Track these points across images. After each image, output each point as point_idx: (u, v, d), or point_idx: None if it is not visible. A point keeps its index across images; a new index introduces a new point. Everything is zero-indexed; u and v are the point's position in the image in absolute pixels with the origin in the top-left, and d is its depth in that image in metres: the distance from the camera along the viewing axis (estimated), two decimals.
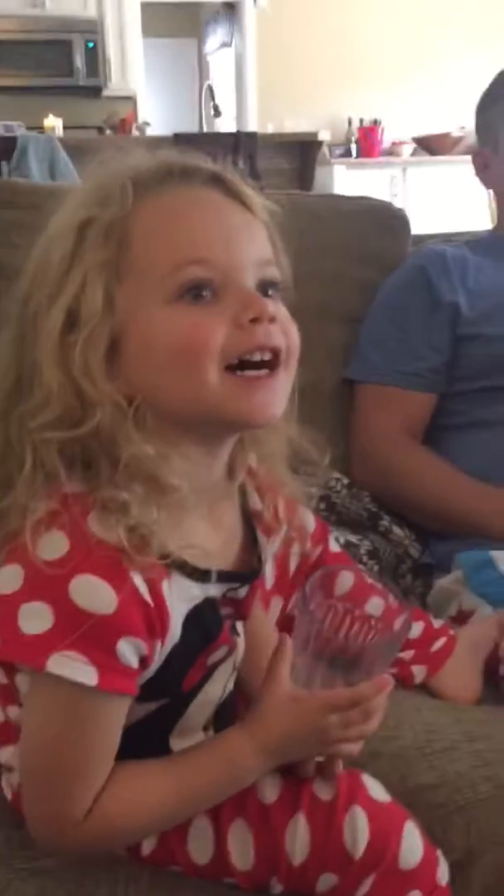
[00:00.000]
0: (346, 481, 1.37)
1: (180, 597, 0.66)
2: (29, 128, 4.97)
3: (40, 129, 4.99)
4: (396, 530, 1.33)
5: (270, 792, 0.75)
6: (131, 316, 0.63)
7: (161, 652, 0.65)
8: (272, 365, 0.66)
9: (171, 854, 0.77)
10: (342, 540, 1.25)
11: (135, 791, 0.68)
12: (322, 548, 1.01)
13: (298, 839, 0.73)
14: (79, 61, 6.10)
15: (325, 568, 0.79)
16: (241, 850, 0.75)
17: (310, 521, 1.02)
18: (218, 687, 0.77)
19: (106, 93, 6.25)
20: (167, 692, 0.71)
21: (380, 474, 1.36)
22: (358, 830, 0.73)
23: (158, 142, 4.00)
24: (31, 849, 0.79)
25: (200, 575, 0.68)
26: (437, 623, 1.10)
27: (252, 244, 0.67)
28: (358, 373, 1.42)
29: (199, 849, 0.76)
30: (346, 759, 0.75)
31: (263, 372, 0.65)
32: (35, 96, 6.05)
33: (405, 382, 1.36)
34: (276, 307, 0.66)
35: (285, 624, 0.95)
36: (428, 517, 1.34)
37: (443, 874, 0.77)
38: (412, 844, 0.75)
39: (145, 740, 0.72)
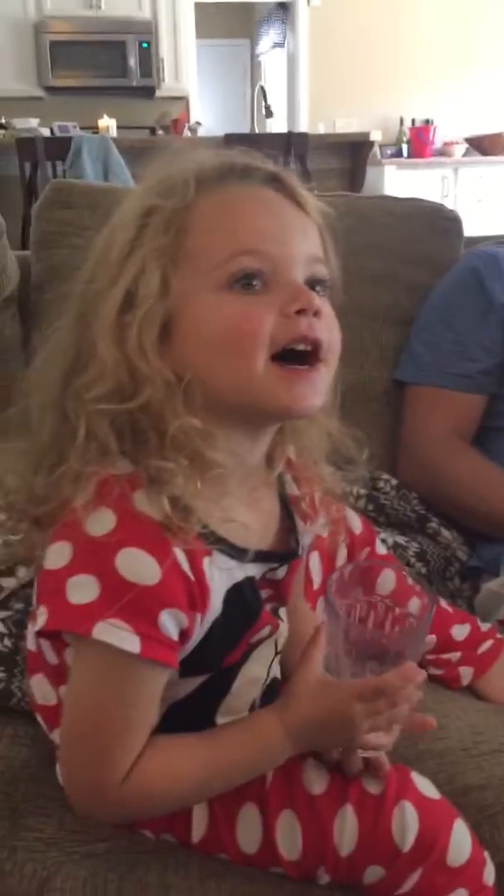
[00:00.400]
0: (394, 482, 1.37)
1: (221, 574, 0.69)
2: (83, 128, 5.03)
3: (94, 129, 5.04)
4: (445, 533, 1.33)
5: (318, 785, 0.77)
6: (185, 300, 0.66)
7: (202, 625, 0.68)
8: (314, 359, 0.68)
9: (219, 842, 0.78)
10: (390, 541, 1.25)
11: (169, 760, 0.70)
12: (369, 550, 1.03)
13: (346, 830, 0.75)
14: (133, 62, 6.16)
15: (355, 563, 0.81)
16: (289, 840, 0.76)
17: (356, 522, 1.04)
18: (260, 667, 0.79)
19: (159, 93, 6.31)
20: (209, 666, 0.73)
21: (428, 476, 1.36)
22: (407, 824, 0.74)
23: (210, 142, 4.01)
24: (83, 833, 0.82)
25: (239, 553, 0.70)
26: (483, 626, 1.11)
27: (304, 241, 0.69)
28: (408, 374, 1.42)
29: (248, 838, 0.77)
30: (378, 749, 0.76)
31: (304, 367, 0.67)
32: (89, 97, 6.12)
33: (456, 384, 1.36)
34: (323, 303, 0.69)
35: None
36: (475, 520, 1.33)
37: (489, 875, 0.77)
38: (460, 842, 0.75)
39: (192, 718, 0.74)
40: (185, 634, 0.66)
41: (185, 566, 0.65)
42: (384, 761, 0.78)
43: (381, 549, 1.05)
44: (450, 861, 0.75)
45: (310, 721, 0.72)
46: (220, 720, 0.78)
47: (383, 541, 1.25)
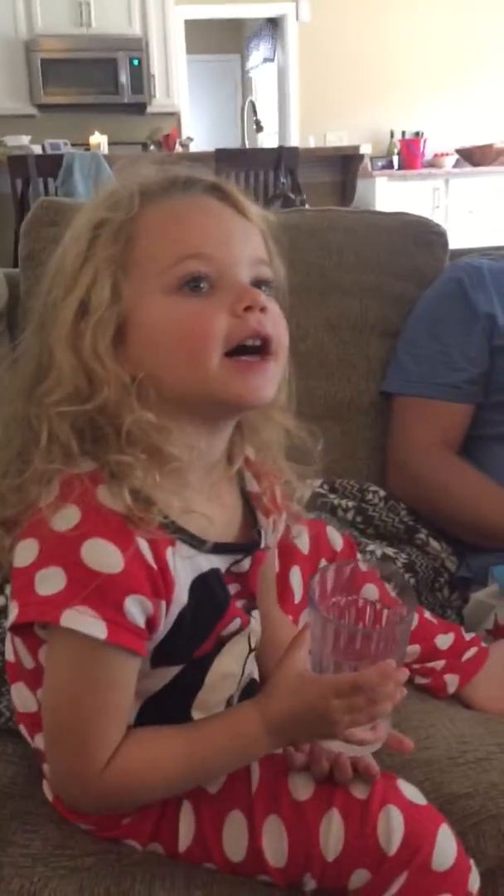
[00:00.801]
0: (382, 494, 1.38)
1: (184, 564, 0.71)
2: (75, 144, 5.05)
3: (86, 145, 5.07)
4: (433, 543, 1.34)
5: (304, 791, 0.77)
6: (137, 305, 0.70)
7: (168, 614, 0.70)
8: (264, 353, 0.72)
9: (206, 850, 0.79)
10: (379, 553, 1.26)
11: (149, 750, 0.72)
12: (345, 596, 1.03)
13: (332, 835, 0.75)
14: (124, 78, 6.20)
15: (337, 563, 0.81)
16: (276, 846, 0.76)
17: (337, 540, 1.07)
18: (233, 663, 0.81)
19: (150, 109, 6.34)
20: (180, 658, 0.75)
21: (416, 486, 1.37)
22: (392, 828, 0.74)
23: (200, 157, 4.03)
24: (70, 848, 0.82)
25: (200, 543, 0.73)
26: (468, 636, 1.12)
27: (246, 244, 0.73)
28: (395, 385, 1.43)
29: (234, 845, 0.78)
30: (363, 744, 0.75)
31: (256, 358, 0.71)
32: (81, 113, 6.15)
33: (442, 394, 1.36)
34: (269, 301, 0.72)
35: None
36: (464, 529, 1.34)
37: (474, 882, 0.78)
38: (446, 847, 0.76)
39: (168, 713, 0.76)
40: (151, 623, 0.69)
41: (149, 556, 0.67)
42: (373, 765, 0.79)
43: (363, 567, 1.05)
44: (435, 865, 0.75)
45: (288, 714, 0.73)
46: (195, 716, 0.79)
47: (371, 552, 1.25)
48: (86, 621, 0.65)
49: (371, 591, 0.83)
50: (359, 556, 1.11)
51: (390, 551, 1.28)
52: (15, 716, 0.85)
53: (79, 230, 0.72)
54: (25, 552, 0.68)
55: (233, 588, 0.78)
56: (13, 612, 0.68)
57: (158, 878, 0.79)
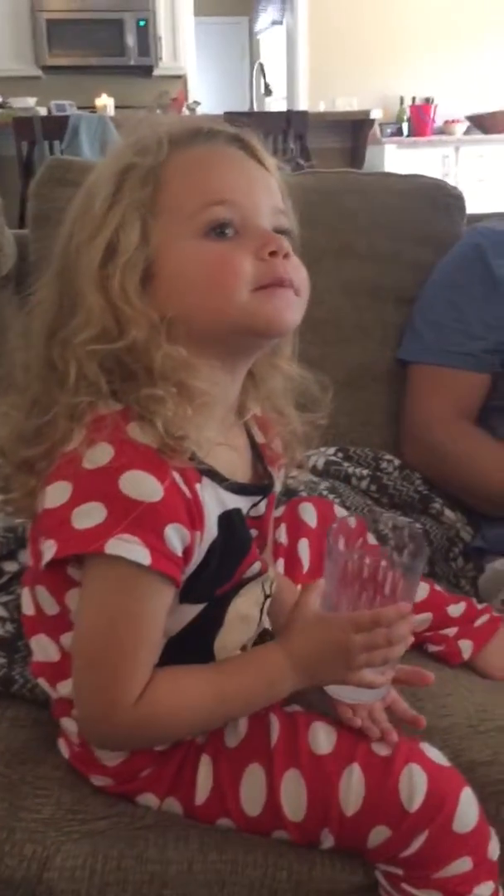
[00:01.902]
0: (397, 463, 1.36)
1: (212, 498, 0.73)
2: (80, 107, 4.98)
3: (92, 108, 4.99)
4: (448, 513, 1.33)
5: (325, 744, 0.78)
6: (164, 248, 0.72)
7: (200, 546, 0.72)
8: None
9: (223, 804, 0.79)
10: (391, 523, 1.24)
11: (178, 685, 0.74)
12: (362, 540, 1.04)
13: (353, 789, 0.75)
14: (130, 40, 6.09)
15: (349, 518, 0.86)
16: (294, 799, 0.77)
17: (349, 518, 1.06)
18: (251, 606, 0.83)
19: (157, 72, 6.24)
20: (205, 595, 0.76)
21: (431, 456, 1.35)
22: (415, 785, 0.75)
23: None
24: (82, 812, 0.82)
25: (225, 482, 0.75)
26: (480, 605, 1.11)
27: (267, 194, 0.76)
28: (411, 353, 1.41)
29: (252, 798, 0.78)
30: (371, 686, 0.77)
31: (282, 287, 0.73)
32: (87, 76, 6.05)
33: (459, 362, 1.34)
34: (289, 248, 0.75)
35: None
36: (479, 500, 1.32)
37: (493, 849, 0.78)
38: (468, 809, 0.76)
39: (189, 653, 0.77)
40: (187, 552, 0.70)
41: (183, 487, 0.69)
42: (393, 732, 0.80)
43: (372, 540, 1.06)
44: (455, 826, 0.75)
45: (309, 650, 0.76)
46: (217, 655, 0.80)
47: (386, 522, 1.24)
48: (130, 548, 0.66)
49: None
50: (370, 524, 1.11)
51: (405, 521, 1.27)
52: (32, 669, 0.85)
53: (105, 175, 0.73)
54: (57, 493, 0.69)
55: (252, 532, 0.81)
56: (50, 550, 0.69)
57: (172, 840, 0.79)
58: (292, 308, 0.74)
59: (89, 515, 0.66)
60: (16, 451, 0.75)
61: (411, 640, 0.76)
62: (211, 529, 0.73)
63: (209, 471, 0.73)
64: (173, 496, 0.68)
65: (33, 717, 0.93)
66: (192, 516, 0.70)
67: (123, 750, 0.80)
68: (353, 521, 0.82)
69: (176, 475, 0.68)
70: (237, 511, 0.77)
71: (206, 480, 0.72)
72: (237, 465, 0.80)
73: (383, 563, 0.79)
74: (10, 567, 1.05)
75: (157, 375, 0.69)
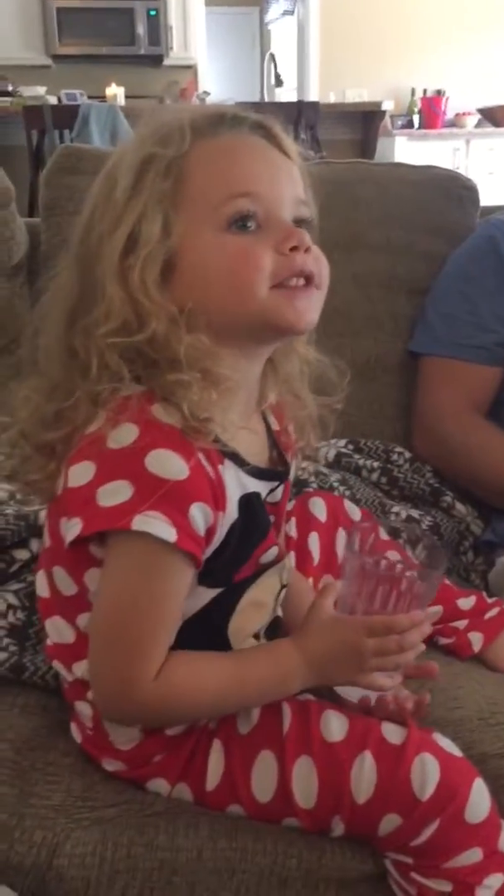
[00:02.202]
0: (408, 455, 1.36)
1: (233, 480, 0.74)
2: (91, 96, 4.96)
3: (102, 97, 4.97)
4: (459, 506, 1.32)
5: (337, 731, 0.78)
6: (187, 240, 0.71)
7: (221, 527, 0.73)
8: (308, 283, 0.74)
9: (234, 790, 0.79)
10: (404, 514, 1.24)
11: (197, 666, 0.75)
12: (374, 535, 1.04)
13: (364, 777, 0.75)
14: (141, 30, 6.06)
15: (364, 524, 0.89)
16: (305, 786, 0.77)
17: (355, 511, 1.09)
18: (266, 594, 0.84)
19: (167, 62, 6.21)
20: (223, 579, 0.77)
21: (442, 449, 1.35)
22: (427, 774, 0.75)
23: None
24: (92, 799, 0.82)
25: (246, 465, 0.76)
26: (490, 599, 1.11)
27: (290, 184, 0.75)
28: (423, 345, 1.40)
29: (263, 785, 0.78)
30: (381, 689, 0.79)
31: (302, 282, 0.73)
32: (97, 65, 6.03)
33: (471, 356, 1.34)
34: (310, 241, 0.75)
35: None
36: (490, 493, 1.32)
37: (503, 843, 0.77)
38: (480, 799, 0.76)
39: (202, 638, 0.77)
40: (209, 532, 0.71)
41: (208, 467, 0.70)
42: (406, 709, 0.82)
43: (384, 536, 1.06)
44: (467, 816, 0.75)
45: (324, 652, 0.77)
46: (231, 640, 0.81)
47: (397, 514, 1.24)
48: (157, 525, 0.66)
49: (393, 556, 0.86)
50: (381, 519, 1.12)
51: (415, 513, 1.27)
52: (46, 651, 0.86)
53: (126, 164, 0.72)
54: (81, 473, 0.69)
55: (270, 518, 0.81)
56: (75, 527, 0.69)
57: (182, 827, 0.79)
58: (313, 308, 0.74)
59: (115, 493, 0.67)
60: (37, 433, 0.75)
61: (422, 648, 0.78)
62: (232, 511, 0.74)
63: (232, 453, 0.74)
64: (199, 475, 0.69)
65: (43, 704, 0.93)
66: (216, 497, 0.71)
67: (139, 725, 0.80)
68: (362, 532, 0.83)
69: (200, 455, 0.69)
70: (256, 495, 0.77)
71: (228, 462, 0.73)
72: (257, 450, 0.81)
73: (399, 566, 0.81)
74: (22, 555, 1.05)
75: (182, 363, 0.70)
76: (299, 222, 0.75)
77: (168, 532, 0.67)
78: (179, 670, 0.73)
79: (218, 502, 0.71)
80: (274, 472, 0.82)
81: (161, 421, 0.68)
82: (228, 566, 0.76)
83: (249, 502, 0.76)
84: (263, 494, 0.79)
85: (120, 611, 0.71)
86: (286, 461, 0.85)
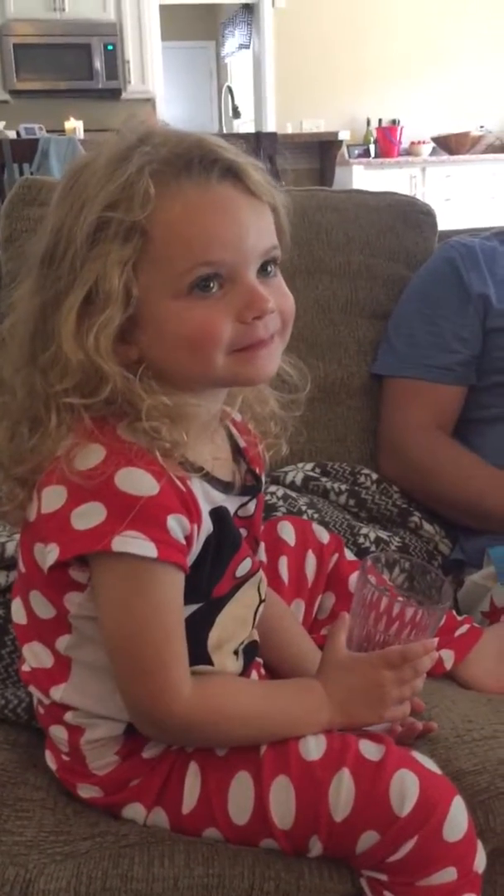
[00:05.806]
0: (375, 477, 1.36)
1: (202, 495, 0.75)
2: (50, 131, 4.98)
3: (61, 131, 5.00)
4: (427, 526, 1.33)
5: (315, 750, 0.77)
6: (146, 305, 0.71)
7: (199, 538, 0.74)
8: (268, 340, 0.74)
9: (210, 813, 0.78)
10: (373, 536, 1.24)
11: (231, 688, 0.79)
12: (338, 557, 1.08)
13: (342, 794, 0.75)
14: (98, 64, 6.12)
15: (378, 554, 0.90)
16: (283, 806, 0.76)
17: (324, 534, 1.09)
18: (245, 609, 0.85)
19: (125, 95, 6.27)
20: (202, 595, 0.78)
21: (408, 468, 1.36)
22: (407, 789, 0.74)
23: None
24: (64, 833, 0.80)
25: (214, 481, 0.77)
26: (459, 617, 1.12)
27: (259, 237, 0.72)
28: (386, 367, 1.41)
29: (240, 806, 0.77)
30: (393, 720, 0.84)
31: (260, 344, 0.73)
32: (55, 99, 6.07)
33: (434, 376, 1.35)
34: (276, 283, 0.75)
35: (312, 627, 1.04)
36: (457, 512, 1.33)
37: (479, 863, 0.77)
38: (459, 817, 0.75)
39: (188, 648, 0.76)
40: (188, 541, 0.72)
41: (177, 481, 0.71)
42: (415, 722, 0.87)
43: (350, 556, 1.09)
44: (445, 834, 0.74)
45: (346, 689, 0.80)
46: (213, 655, 0.81)
47: (365, 535, 1.24)
48: (136, 544, 0.67)
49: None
50: (346, 549, 1.13)
51: (384, 534, 1.27)
52: (22, 677, 0.85)
53: (87, 212, 0.69)
54: (52, 497, 0.70)
55: (241, 531, 0.83)
56: (52, 553, 0.69)
57: (157, 857, 0.78)
58: (273, 360, 0.75)
59: (89, 515, 0.67)
60: (7, 468, 0.76)
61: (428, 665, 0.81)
62: (206, 523, 0.75)
63: (198, 468, 0.75)
64: (170, 489, 0.69)
65: (13, 739, 0.91)
66: (189, 509, 0.71)
67: (183, 739, 0.80)
68: (370, 560, 0.85)
69: (168, 471, 0.70)
70: (225, 509, 0.79)
71: (194, 479, 0.74)
72: (222, 465, 0.81)
73: (400, 599, 0.83)
74: None
75: (146, 417, 0.70)
76: (268, 265, 0.73)
77: (148, 549, 0.68)
78: (214, 685, 0.76)
79: (192, 514, 0.72)
80: (244, 486, 0.83)
81: (128, 440, 0.69)
82: (207, 580, 0.77)
83: (220, 515, 0.77)
84: (233, 509, 0.80)
85: (123, 629, 0.72)
86: (256, 476, 0.86)
